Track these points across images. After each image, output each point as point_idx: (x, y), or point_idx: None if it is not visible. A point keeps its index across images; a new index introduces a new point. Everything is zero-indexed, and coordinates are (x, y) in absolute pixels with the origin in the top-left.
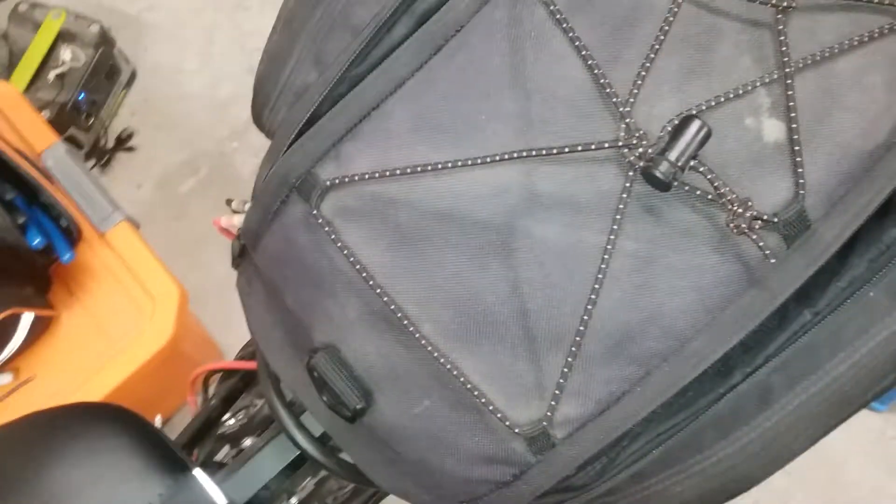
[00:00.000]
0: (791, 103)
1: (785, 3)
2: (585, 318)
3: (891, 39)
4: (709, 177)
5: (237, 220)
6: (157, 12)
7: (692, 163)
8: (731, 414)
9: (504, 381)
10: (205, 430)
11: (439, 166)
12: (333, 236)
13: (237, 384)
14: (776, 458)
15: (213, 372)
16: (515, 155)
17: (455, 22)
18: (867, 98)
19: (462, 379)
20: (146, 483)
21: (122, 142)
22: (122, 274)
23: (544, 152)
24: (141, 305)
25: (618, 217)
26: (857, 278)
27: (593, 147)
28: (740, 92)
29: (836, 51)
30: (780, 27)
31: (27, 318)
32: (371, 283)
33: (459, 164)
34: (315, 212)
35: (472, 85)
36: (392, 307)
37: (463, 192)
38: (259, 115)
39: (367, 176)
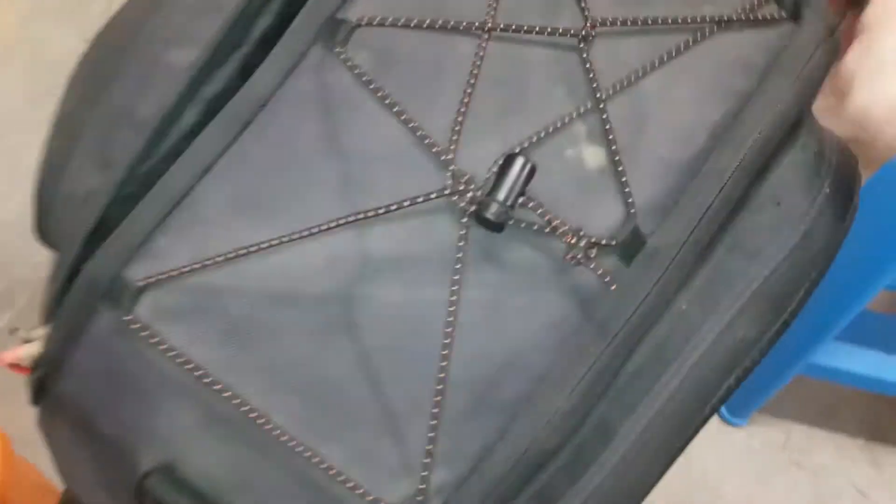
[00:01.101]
0: (607, 126)
1: (583, 33)
2: (441, 376)
3: (689, 55)
4: (538, 211)
5: (27, 351)
6: None
7: (521, 199)
8: (575, 457)
9: (370, 462)
10: None
11: (264, 245)
12: (155, 339)
13: None
14: (632, 493)
15: None
16: (342, 221)
17: (259, 98)
18: (678, 112)
19: (325, 466)
20: None
21: None
22: None
23: (371, 213)
24: None
25: (458, 267)
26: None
27: (420, 199)
28: (558, 124)
29: (641, 73)
30: (585, 55)
31: None
32: (207, 381)
33: (285, 239)
34: (129, 317)
35: (288, 157)
36: (235, 402)
37: (293, 269)
38: (43, 230)
39: (185, 269)
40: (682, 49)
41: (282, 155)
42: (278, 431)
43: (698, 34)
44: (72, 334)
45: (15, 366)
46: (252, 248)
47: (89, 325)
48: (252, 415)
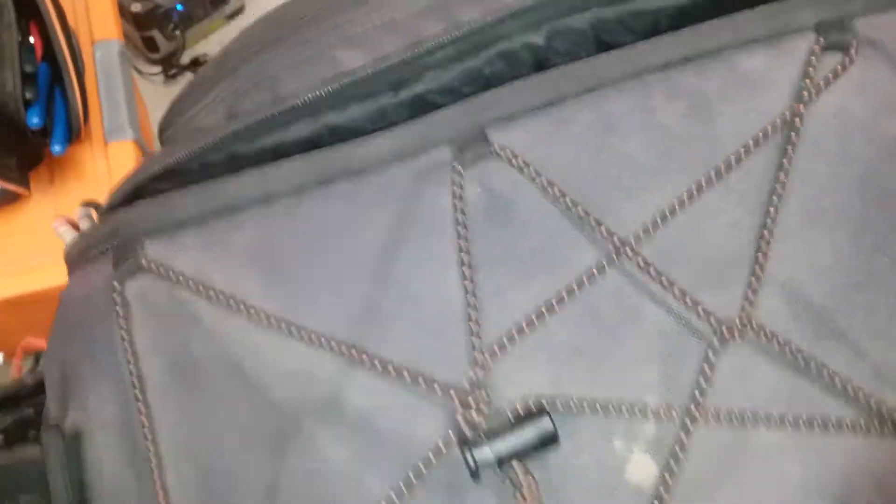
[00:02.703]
0: (679, 453)
1: (723, 329)
2: None
3: (836, 435)
4: (525, 488)
5: (64, 231)
6: None
7: (515, 463)
8: None
9: None
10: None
11: (261, 315)
12: (123, 319)
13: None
14: None
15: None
16: (336, 346)
17: (360, 163)
18: (774, 487)
19: None
20: None
21: (196, 65)
22: (103, 190)
23: (366, 357)
24: None
25: (410, 475)
26: None
27: (421, 381)
28: (625, 405)
29: (762, 417)
30: (711, 354)
31: None
32: (137, 394)
33: (282, 325)
34: (116, 284)
35: (334, 247)
36: (145, 430)
37: (267, 359)
38: (161, 132)
39: (187, 280)
40: (829, 428)
41: (330, 238)
42: (160, 489)
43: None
44: (83, 257)
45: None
46: (247, 309)
47: (93, 262)
48: (150, 458)
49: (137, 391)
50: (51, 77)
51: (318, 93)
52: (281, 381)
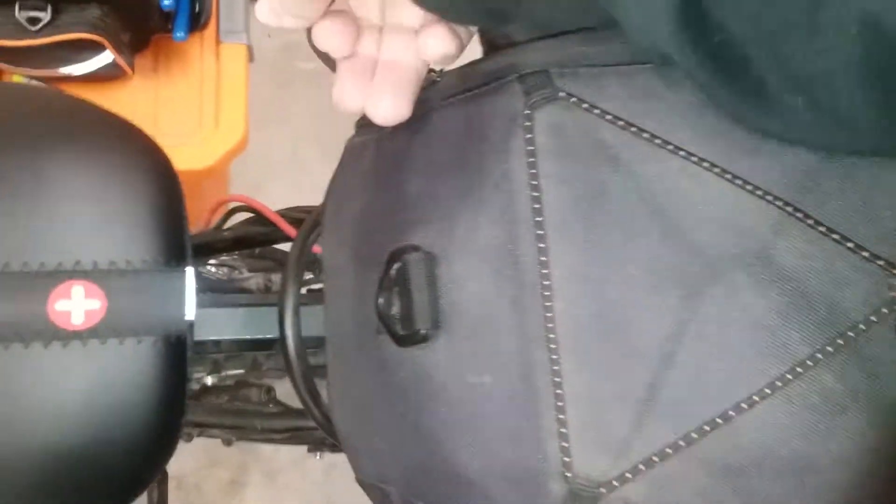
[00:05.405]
0: None
1: None
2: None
3: None
4: None
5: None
6: None
7: None
8: None
9: (594, 432)
10: (198, 251)
11: (699, 163)
12: (530, 148)
13: (258, 235)
14: None
15: (239, 210)
16: (773, 200)
17: None
18: None
19: (557, 380)
20: (139, 238)
21: None
22: (209, 87)
23: (801, 216)
24: (203, 124)
25: (839, 341)
26: None
27: (853, 247)
28: None
29: None
30: None
31: (105, 57)
32: (538, 220)
33: (720, 173)
34: (528, 112)
35: None
36: (539, 256)
37: (696, 204)
38: None
39: (608, 116)
40: None
41: None
42: (550, 319)
43: None
44: (458, 92)
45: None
46: (675, 150)
47: (482, 95)
48: (542, 289)
49: (537, 217)
50: None
51: None
52: (707, 228)
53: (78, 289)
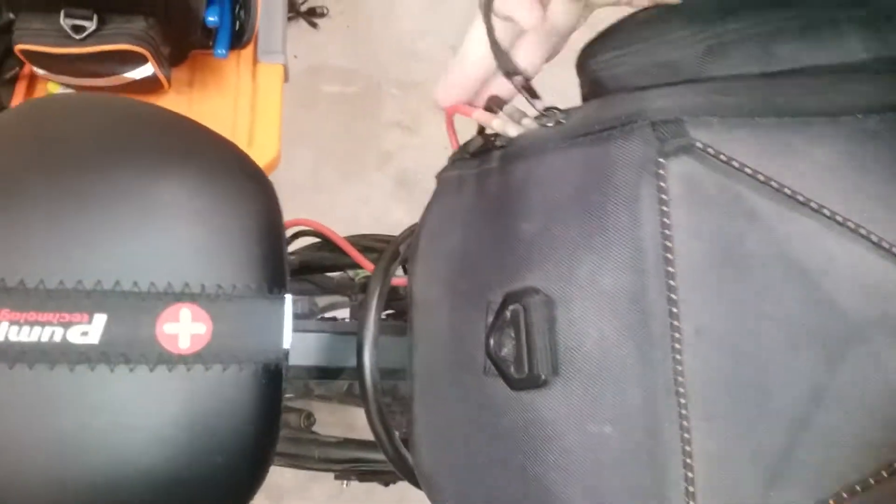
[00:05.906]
0: None
1: None
2: None
3: None
4: None
5: (492, 122)
6: None
7: None
8: None
9: (722, 492)
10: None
11: (844, 224)
12: (663, 196)
13: (324, 261)
14: None
15: (303, 234)
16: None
17: None
18: None
19: (686, 436)
20: (246, 263)
21: (311, 14)
22: (244, 104)
23: None
24: (237, 141)
25: None
26: None
27: None
28: None
29: None
30: None
31: (146, 69)
32: (669, 270)
33: (867, 236)
34: (661, 160)
35: None
36: (669, 306)
37: (840, 266)
38: (591, 55)
39: (746, 170)
40: None
41: None
42: (680, 377)
43: None
44: (580, 137)
45: (462, 113)
46: (819, 209)
47: (605, 140)
48: (675, 334)
49: (668, 268)
50: None
51: None
52: (852, 290)
53: (186, 312)
